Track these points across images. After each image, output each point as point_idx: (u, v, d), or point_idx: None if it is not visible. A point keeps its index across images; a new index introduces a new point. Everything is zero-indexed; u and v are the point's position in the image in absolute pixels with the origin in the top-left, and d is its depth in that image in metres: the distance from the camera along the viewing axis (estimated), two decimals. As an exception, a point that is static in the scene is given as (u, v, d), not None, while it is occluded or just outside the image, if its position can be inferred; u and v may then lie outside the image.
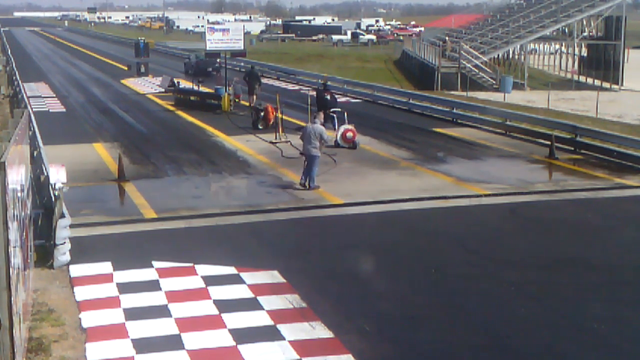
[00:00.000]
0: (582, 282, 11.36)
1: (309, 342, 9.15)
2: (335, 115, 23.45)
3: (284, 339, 9.23)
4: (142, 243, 12.99)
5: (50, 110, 30.09)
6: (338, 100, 26.81)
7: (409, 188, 16.98)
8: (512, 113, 26.17)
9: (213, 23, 65.20)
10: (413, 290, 10.93)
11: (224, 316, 9.85)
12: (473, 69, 40.97)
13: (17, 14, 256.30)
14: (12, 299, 7.33)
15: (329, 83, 30.40)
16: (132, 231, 13.70)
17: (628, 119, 28.94)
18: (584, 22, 45.79)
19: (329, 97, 24.51)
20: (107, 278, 11.21)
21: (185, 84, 37.10)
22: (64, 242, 11.71)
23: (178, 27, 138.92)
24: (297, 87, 40.33)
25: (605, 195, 16.89)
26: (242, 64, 47.66)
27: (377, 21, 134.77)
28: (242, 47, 30.90)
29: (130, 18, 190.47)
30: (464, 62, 40.65)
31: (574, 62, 46.95)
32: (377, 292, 10.80)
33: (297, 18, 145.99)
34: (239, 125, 25.75)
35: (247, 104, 29.51)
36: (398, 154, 21.23)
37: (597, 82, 42.72)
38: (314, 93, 26.75)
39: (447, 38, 50.63)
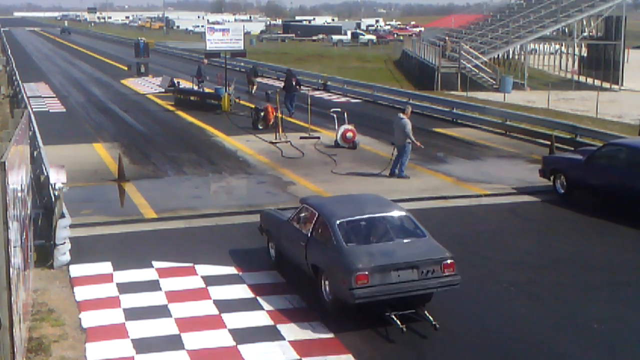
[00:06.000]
0: (582, 282, 11.36)
1: (309, 342, 9.16)
2: (335, 115, 23.45)
3: (284, 339, 9.23)
4: (142, 243, 12.99)
5: (50, 111, 30.08)
6: (337, 101, 26.98)
7: (409, 188, 16.98)
8: (512, 113, 26.16)
9: (213, 23, 65.32)
10: (413, 290, 10.90)
11: (224, 316, 9.86)
12: (473, 69, 40.94)
13: (17, 14, 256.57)
14: (12, 299, 7.33)
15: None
16: (132, 231, 13.70)
17: (628, 119, 28.91)
18: (584, 22, 45.75)
19: (294, 82, 28.36)
20: (107, 278, 11.22)
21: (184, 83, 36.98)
22: (64, 242, 11.72)
23: (178, 27, 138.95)
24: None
25: (605, 195, 16.85)
26: (242, 63, 47.73)
27: (377, 21, 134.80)
28: (242, 47, 30.90)
29: (130, 18, 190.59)
30: (464, 62, 40.63)
31: (574, 62, 46.95)
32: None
33: (297, 18, 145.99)
34: (239, 125, 25.76)
35: (248, 104, 29.58)
36: (398, 154, 21.21)
37: (597, 82, 42.70)
38: (313, 93, 27.06)
39: (447, 38, 50.63)
